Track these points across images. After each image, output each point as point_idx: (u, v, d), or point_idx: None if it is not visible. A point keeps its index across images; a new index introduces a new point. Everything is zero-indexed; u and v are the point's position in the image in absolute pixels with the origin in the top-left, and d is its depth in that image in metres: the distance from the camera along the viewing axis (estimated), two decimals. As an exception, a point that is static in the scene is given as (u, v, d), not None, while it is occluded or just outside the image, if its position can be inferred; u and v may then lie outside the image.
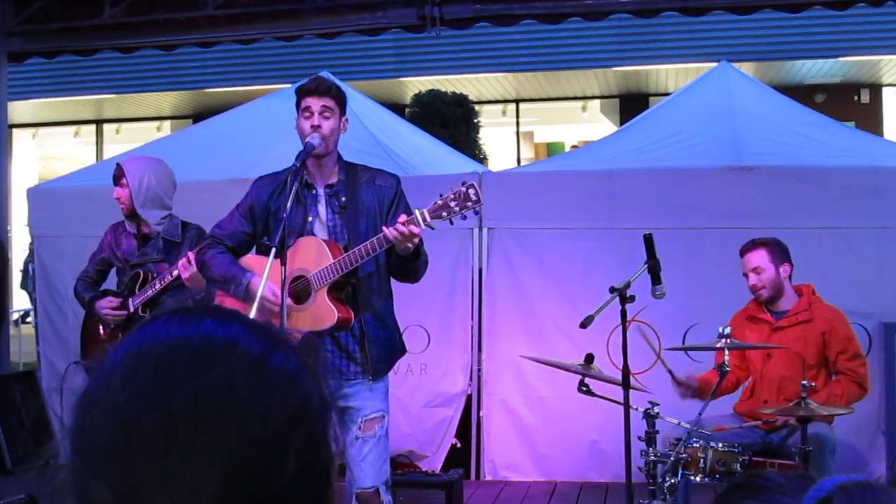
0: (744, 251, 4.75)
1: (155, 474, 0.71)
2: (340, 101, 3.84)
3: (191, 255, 4.36)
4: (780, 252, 4.71)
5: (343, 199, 3.80)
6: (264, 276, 3.52)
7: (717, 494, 0.93)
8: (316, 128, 3.72)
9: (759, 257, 4.68)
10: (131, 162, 4.98)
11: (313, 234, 3.78)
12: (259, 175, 4.07)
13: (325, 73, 7.02)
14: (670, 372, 4.58)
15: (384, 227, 3.54)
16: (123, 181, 4.87)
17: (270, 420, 0.74)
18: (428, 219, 3.52)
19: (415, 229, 3.48)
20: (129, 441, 0.72)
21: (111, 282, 5.18)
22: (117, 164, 4.98)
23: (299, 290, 3.71)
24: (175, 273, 4.59)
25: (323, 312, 3.67)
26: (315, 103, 3.76)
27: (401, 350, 3.98)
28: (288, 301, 3.59)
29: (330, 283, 3.66)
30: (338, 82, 4.04)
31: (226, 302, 3.70)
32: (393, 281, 3.94)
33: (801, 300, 4.74)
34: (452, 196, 3.51)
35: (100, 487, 0.72)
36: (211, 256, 3.89)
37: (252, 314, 3.28)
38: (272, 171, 3.98)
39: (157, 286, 4.73)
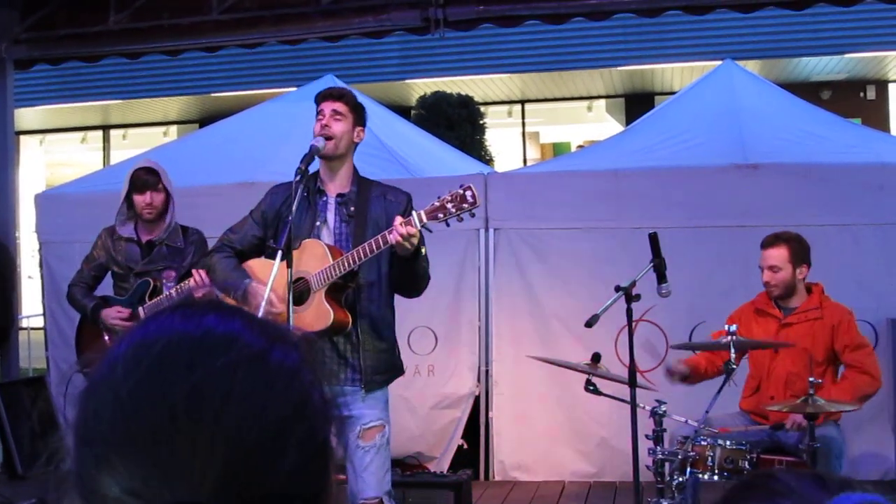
0: (765, 245, 4.70)
1: (157, 465, 0.71)
2: (354, 108, 3.87)
3: (201, 273, 4.42)
4: (800, 252, 4.66)
5: (352, 208, 3.83)
6: (269, 282, 3.53)
7: (726, 492, 0.88)
8: (325, 127, 3.76)
9: (779, 256, 4.64)
10: (160, 169, 4.98)
11: (319, 239, 3.80)
12: (265, 178, 4.12)
13: (329, 77, 7.07)
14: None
15: (386, 233, 3.56)
16: (160, 186, 4.88)
17: (270, 413, 0.74)
18: (424, 219, 3.52)
19: (411, 230, 3.48)
20: (131, 432, 0.72)
21: (105, 287, 5.18)
22: (146, 169, 4.93)
23: (299, 291, 3.72)
24: (191, 283, 4.60)
25: (320, 313, 3.67)
26: (327, 107, 3.82)
27: (399, 369, 3.95)
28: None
29: (329, 285, 3.68)
30: (355, 92, 4.05)
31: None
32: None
33: (811, 298, 4.72)
34: (449, 198, 3.52)
35: (108, 483, 0.72)
36: (217, 260, 3.97)
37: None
38: (284, 179, 3.99)
39: (175, 296, 4.75)
